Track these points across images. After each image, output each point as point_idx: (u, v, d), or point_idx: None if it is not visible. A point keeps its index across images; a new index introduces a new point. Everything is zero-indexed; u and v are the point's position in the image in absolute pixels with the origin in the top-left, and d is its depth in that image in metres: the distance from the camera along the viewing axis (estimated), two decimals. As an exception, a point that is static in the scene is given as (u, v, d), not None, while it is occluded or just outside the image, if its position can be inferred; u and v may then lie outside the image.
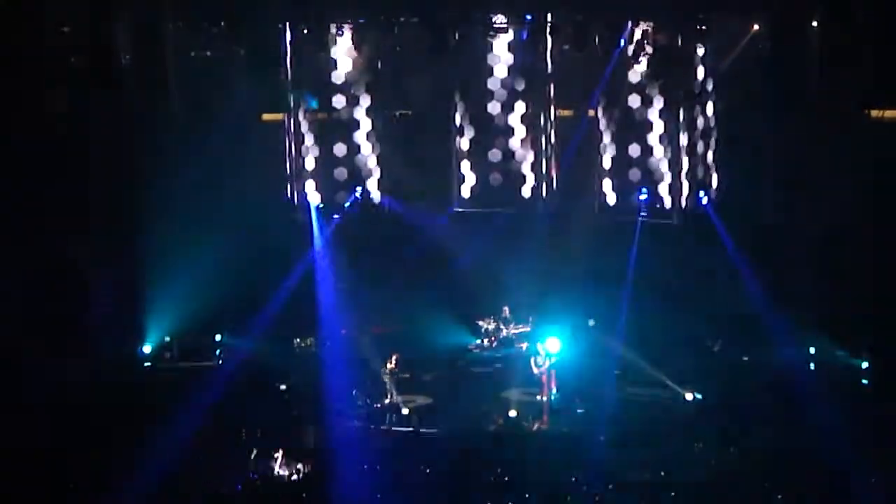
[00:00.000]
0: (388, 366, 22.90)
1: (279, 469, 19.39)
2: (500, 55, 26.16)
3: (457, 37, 25.66)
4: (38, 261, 23.31)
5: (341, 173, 26.66)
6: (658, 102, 25.97)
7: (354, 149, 26.63)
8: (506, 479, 18.75)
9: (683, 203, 26.29)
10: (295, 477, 19.23)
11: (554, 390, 22.66)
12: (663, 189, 26.32)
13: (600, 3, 25.30)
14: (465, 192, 27.05)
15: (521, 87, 26.33)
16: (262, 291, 25.40)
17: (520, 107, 26.49)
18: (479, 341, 25.73)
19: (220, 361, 25.10)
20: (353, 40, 25.89)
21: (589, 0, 25.27)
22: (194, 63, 25.92)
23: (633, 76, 25.90)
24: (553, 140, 26.62)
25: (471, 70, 26.32)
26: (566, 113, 26.78)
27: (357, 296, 25.86)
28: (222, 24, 25.22)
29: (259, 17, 25.22)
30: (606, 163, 26.55)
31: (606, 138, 26.41)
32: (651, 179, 26.22)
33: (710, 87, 25.95)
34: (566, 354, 22.83)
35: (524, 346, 25.01)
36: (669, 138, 26.10)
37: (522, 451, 20.00)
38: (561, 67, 26.14)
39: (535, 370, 22.75)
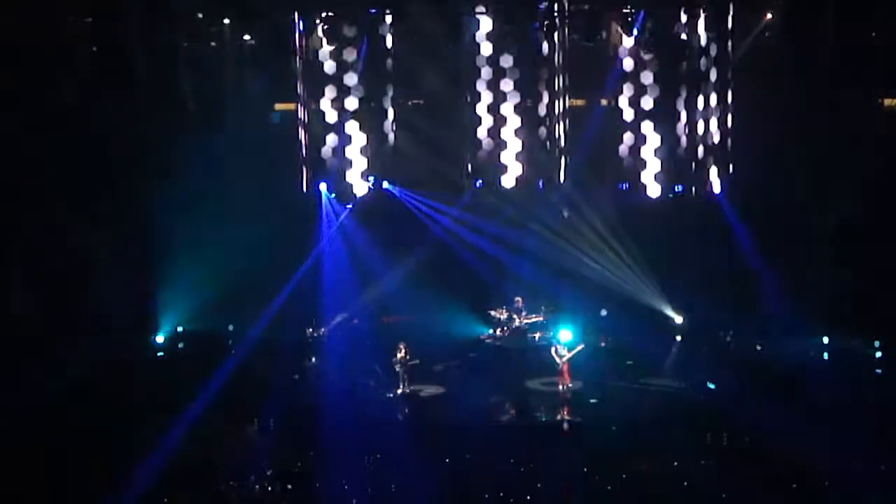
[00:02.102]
0: (398, 355, 22.94)
1: None
2: (513, 44, 26.09)
3: (469, 25, 25.72)
4: (52, 252, 23.40)
5: (354, 162, 26.64)
6: (670, 92, 25.86)
7: (367, 138, 26.59)
8: (520, 469, 18.73)
9: (696, 193, 26.22)
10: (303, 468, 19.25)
11: (569, 383, 22.83)
12: (676, 179, 26.23)
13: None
14: (479, 181, 26.99)
15: (533, 76, 26.25)
16: (274, 281, 25.49)
17: (533, 96, 26.42)
18: (491, 331, 25.73)
19: (233, 351, 25.23)
20: (365, 29, 25.87)
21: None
22: (206, 54, 25.98)
23: (645, 65, 25.79)
24: (566, 129, 26.55)
25: (483, 59, 26.22)
26: (579, 102, 26.72)
27: (369, 285, 25.91)
28: (233, 14, 25.23)
29: (270, 7, 25.26)
30: (619, 152, 26.44)
31: (618, 128, 26.30)
32: (664, 169, 26.12)
33: (723, 76, 25.82)
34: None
35: (538, 335, 25.06)
36: (682, 128, 26.00)
37: (533, 442, 20.01)
38: (573, 57, 26.08)
39: (558, 360, 22.82)
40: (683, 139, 26.00)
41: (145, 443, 19.17)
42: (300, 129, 26.53)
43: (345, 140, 26.50)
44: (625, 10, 25.38)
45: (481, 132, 26.55)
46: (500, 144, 26.57)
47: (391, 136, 26.64)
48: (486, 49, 26.02)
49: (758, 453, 19.05)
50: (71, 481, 17.94)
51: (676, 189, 26.19)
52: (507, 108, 26.33)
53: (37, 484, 17.78)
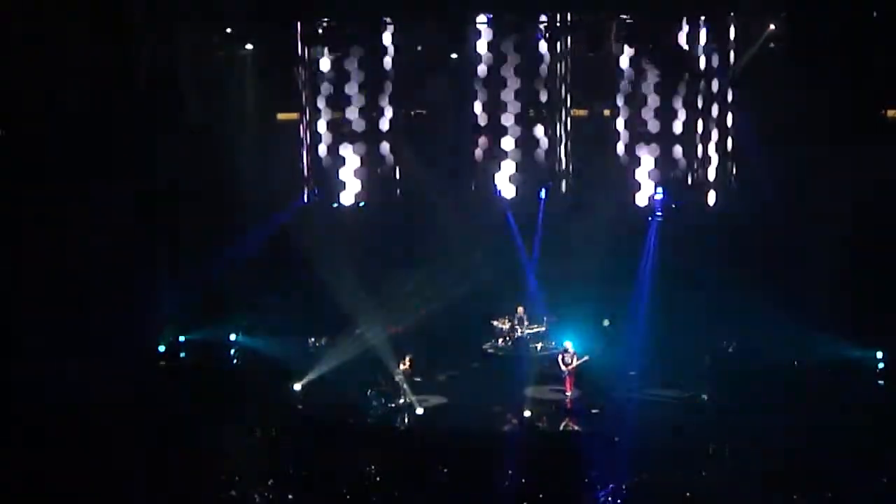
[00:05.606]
0: (402, 366, 22.93)
1: None
2: (515, 55, 26.10)
3: (471, 36, 25.75)
4: (53, 261, 23.41)
5: (356, 172, 26.63)
6: (672, 102, 25.84)
7: (370, 148, 26.60)
8: (521, 479, 18.70)
9: (698, 203, 26.20)
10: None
11: (569, 392, 22.92)
12: (678, 189, 26.21)
13: (615, 3, 25.24)
14: (482, 191, 26.97)
15: (536, 86, 26.26)
16: (277, 290, 25.49)
17: (535, 107, 26.42)
18: (494, 341, 25.73)
19: (235, 361, 25.23)
20: (366, 38, 25.89)
21: (604, 0, 25.25)
22: (209, 62, 26.04)
23: (647, 76, 25.78)
24: (568, 140, 26.55)
25: (485, 69, 26.23)
26: (581, 113, 26.73)
27: (372, 295, 25.90)
28: (236, 23, 25.28)
29: (272, 17, 25.28)
30: (621, 163, 26.42)
31: (621, 138, 26.27)
32: (666, 179, 26.10)
33: (725, 86, 25.83)
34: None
35: (539, 345, 25.09)
36: (684, 139, 25.99)
37: (536, 451, 19.99)
38: (575, 67, 26.09)
39: (563, 368, 22.89)
40: (684, 150, 25.99)
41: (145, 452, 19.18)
42: (302, 138, 26.56)
43: (347, 149, 26.52)
44: (627, 21, 25.40)
45: (483, 141, 26.57)
46: (501, 154, 26.57)
47: (394, 146, 26.65)
48: (488, 59, 26.05)
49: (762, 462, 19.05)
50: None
51: (677, 201, 26.23)
52: (509, 118, 26.36)
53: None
